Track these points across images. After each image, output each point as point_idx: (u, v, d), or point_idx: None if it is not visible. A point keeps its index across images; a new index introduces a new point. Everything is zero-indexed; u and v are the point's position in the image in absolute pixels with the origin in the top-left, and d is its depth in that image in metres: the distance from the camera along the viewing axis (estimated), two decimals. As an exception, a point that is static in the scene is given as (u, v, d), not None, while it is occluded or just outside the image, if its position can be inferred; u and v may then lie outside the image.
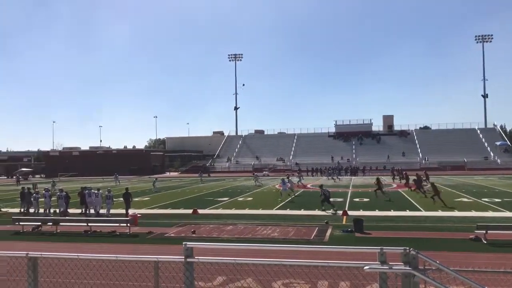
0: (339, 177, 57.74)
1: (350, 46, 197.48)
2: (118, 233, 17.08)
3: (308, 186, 42.13)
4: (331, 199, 23.48)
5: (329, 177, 55.90)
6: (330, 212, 22.08)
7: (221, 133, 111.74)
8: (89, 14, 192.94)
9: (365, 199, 28.26)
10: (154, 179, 43.98)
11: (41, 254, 4.74)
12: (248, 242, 13.97)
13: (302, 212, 22.98)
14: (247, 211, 23.50)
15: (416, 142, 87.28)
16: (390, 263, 4.06)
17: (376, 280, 4.22)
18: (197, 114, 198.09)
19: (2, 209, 25.45)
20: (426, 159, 77.86)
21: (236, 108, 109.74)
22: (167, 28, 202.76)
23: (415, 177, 32.08)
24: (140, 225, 18.21)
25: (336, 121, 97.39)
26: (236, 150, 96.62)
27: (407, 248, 4.09)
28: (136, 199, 30.65)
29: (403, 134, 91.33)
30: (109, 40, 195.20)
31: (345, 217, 20.39)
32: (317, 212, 22.51)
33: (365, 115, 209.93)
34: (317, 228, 17.41)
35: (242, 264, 5.13)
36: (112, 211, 22.80)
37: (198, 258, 4.28)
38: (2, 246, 13.98)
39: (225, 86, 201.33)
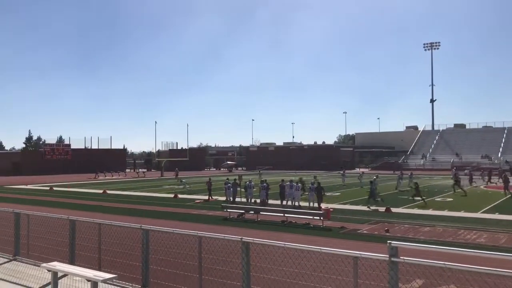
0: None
1: None
2: (312, 225, 17.75)
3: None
4: None
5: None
6: (371, 207, 22.91)
7: (415, 128, 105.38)
8: (284, 19, 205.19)
9: None
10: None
11: (253, 240, 5.24)
12: (448, 246, 12.86)
13: (516, 217, 19.99)
14: (446, 213, 21.63)
15: None
16: None
17: None
18: (388, 108, 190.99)
19: (213, 197, 29.04)
20: None
21: (432, 101, 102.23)
22: (357, 23, 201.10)
23: None
24: (333, 219, 18.55)
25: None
26: (432, 146, 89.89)
27: None
28: (328, 194, 31.36)
29: None
30: (301, 42, 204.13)
31: None
32: (535, 219, 19.35)
33: None
34: (536, 237, 14.93)
35: (444, 269, 4.75)
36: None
37: (404, 259, 4.11)
38: (215, 230, 15.98)
39: (420, 78, 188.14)
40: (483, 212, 21.76)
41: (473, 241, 14.50)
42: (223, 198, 28.05)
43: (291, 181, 25.90)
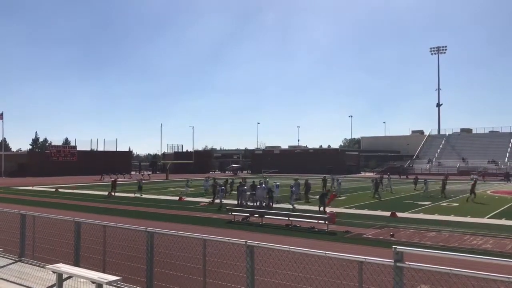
0: None
1: None
2: (316, 229, 17.69)
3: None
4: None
5: None
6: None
7: (421, 132, 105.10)
8: (289, 21, 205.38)
9: None
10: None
11: (258, 244, 5.23)
12: (454, 251, 12.76)
13: (522, 223, 19.82)
14: (452, 218, 21.50)
15: None
16: None
17: None
18: (394, 112, 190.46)
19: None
20: None
21: (438, 105, 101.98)
22: (363, 26, 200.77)
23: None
24: (338, 223, 18.49)
25: None
26: (439, 150, 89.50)
27: None
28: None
29: None
30: (308, 44, 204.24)
31: None
32: (542, 225, 19.17)
33: None
34: (543, 243, 14.80)
35: (450, 275, 4.72)
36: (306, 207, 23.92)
37: (409, 264, 4.09)
38: (220, 233, 15.98)
39: (426, 82, 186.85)
40: (490, 218, 21.60)
41: (479, 246, 14.39)
42: (231, 202, 28.02)
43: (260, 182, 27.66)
